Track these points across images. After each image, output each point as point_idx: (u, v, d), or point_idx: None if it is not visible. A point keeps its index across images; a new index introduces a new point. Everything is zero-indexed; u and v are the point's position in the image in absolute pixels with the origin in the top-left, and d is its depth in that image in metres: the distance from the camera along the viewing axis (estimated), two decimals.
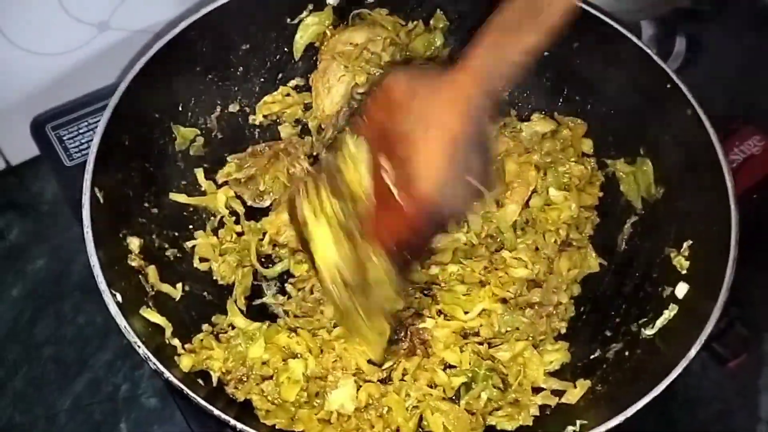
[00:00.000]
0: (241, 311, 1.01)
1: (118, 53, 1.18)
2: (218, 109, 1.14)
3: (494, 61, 0.70)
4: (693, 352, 0.84)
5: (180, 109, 1.08)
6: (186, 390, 0.81)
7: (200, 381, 0.91)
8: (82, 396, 1.07)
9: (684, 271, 0.97)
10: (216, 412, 0.80)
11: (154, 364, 0.82)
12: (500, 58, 0.69)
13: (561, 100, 1.16)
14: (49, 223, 1.21)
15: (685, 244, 0.98)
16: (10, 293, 1.15)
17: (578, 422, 0.88)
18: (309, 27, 1.14)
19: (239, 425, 0.80)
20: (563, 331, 1.02)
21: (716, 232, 0.92)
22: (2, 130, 1.21)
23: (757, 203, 1.15)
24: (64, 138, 1.14)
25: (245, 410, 0.91)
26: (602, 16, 1.05)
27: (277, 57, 1.17)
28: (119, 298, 0.86)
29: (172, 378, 0.82)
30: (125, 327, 0.83)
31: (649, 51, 1.03)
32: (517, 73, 0.70)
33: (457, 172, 0.71)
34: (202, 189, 1.10)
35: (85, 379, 1.08)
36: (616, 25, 1.04)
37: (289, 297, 1.04)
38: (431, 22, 1.18)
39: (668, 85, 1.01)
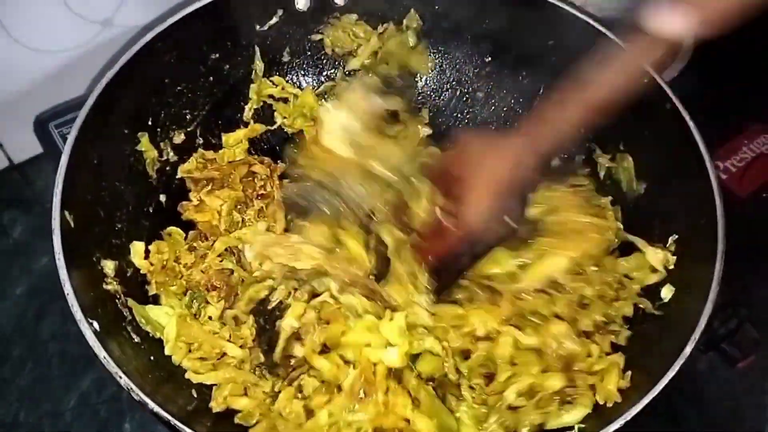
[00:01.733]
0: None
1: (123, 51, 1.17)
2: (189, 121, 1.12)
3: (544, 129, 0.88)
4: (688, 350, 0.83)
5: (150, 123, 1.06)
6: (179, 425, 0.78)
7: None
8: (88, 394, 1.07)
9: (671, 267, 0.97)
10: None
11: (137, 395, 0.79)
12: (549, 127, 0.87)
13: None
14: None
15: (670, 239, 0.98)
16: (15, 290, 1.15)
17: (576, 426, 0.87)
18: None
19: None
20: None
21: (702, 225, 0.92)
22: (5, 128, 1.21)
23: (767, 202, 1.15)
24: (68, 136, 1.13)
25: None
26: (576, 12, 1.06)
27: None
28: (96, 326, 0.82)
29: (158, 410, 0.78)
30: (104, 357, 0.80)
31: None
32: (564, 140, 0.89)
33: (497, 210, 0.90)
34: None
35: (91, 378, 1.08)
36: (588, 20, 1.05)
37: None
38: (404, 21, 1.18)
39: (645, 80, 0.98)
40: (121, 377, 0.79)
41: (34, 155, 1.26)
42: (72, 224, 0.88)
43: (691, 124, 0.96)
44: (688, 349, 0.82)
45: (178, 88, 1.08)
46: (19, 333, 1.11)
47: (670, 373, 0.81)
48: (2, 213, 1.23)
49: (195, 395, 0.92)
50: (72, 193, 0.89)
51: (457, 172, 0.93)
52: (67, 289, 0.82)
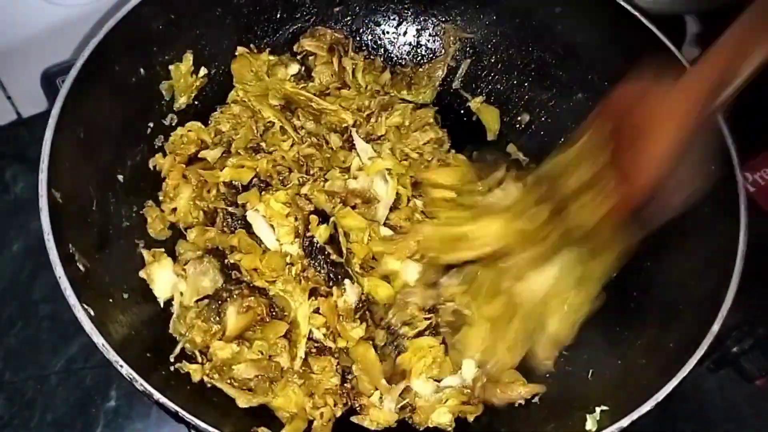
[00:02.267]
0: None
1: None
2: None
3: (728, 70, 0.73)
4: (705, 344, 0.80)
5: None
6: (181, 411, 0.75)
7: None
8: (76, 359, 1.05)
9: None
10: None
11: (142, 385, 0.75)
12: (736, 65, 0.72)
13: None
14: None
15: None
16: (11, 248, 1.13)
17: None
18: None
19: None
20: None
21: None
22: (15, 80, 1.19)
23: None
24: None
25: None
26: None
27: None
28: (92, 312, 0.79)
29: (164, 400, 0.75)
30: (103, 344, 0.76)
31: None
32: (743, 86, 0.73)
33: (671, 169, 0.78)
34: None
35: (80, 343, 1.06)
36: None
37: None
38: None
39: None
40: (122, 366, 0.76)
41: (43, 111, 1.23)
42: (60, 201, 0.84)
43: (725, 131, 0.91)
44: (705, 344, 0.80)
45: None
46: (12, 292, 1.09)
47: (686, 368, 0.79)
48: (6, 168, 1.20)
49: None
50: (60, 169, 0.85)
51: (617, 126, 0.83)
52: (59, 272, 0.79)
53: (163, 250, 0.98)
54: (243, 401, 0.87)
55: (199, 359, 0.90)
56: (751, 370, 0.99)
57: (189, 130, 1.05)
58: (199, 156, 1.04)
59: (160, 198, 1.02)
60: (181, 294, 0.95)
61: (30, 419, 1.01)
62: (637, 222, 0.85)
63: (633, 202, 0.82)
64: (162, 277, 0.95)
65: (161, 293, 0.95)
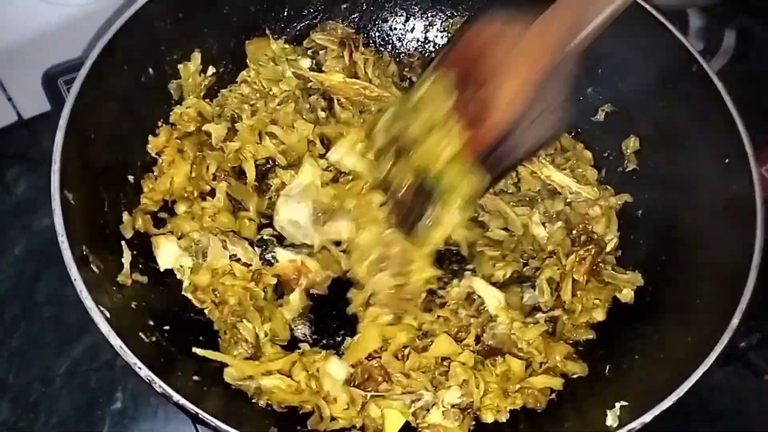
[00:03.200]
0: None
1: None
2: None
3: (574, 19, 0.74)
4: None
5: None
6: (201, 413, 0.74)
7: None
8: (80, 361, 1.04)
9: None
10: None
11: (161, 386, 0.74)
12: (580, 17, 0.74)
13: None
14: None
15: None
16: (14, 250, 1.12)
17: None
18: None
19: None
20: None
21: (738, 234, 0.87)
22: (15, 81, 1.18)
23: None
24: None
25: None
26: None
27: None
28: (108, 314, 0.77)
29: (184, 401, 0.74)
30: (121, 347, 0.74)
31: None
32: (613, 18, 0.74)
33: (534, 102, 0.78)
34: None
35: (84, 344, 1.05)
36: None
37: None
38: None
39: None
40: (140, 368, 0.74)
41: (44, 112, 1.22)
42: (72, 202, 0.83)
43: (742, 130, 0.90)
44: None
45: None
46: (15, 293, 1.08)
47: (704, 366, 0.78)
48: (7, 169, 1.19)
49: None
50: (73, 170, 0.84)
51: (479, 58, 0.81)
52: (74, 274, 0.77)
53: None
54: None
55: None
56: (759, 364, 1.00)
57: (188, 107, 1.03)
58: (203, 129, 1.03)
59: (154, 173, 1.00)
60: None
61: (35, 422, 1.00)
62: (490, 163, 0.85)
63: (484, 142, 0.82)
64: (167, 248, 0.95)
65: (164, 262, 0.94)
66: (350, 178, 1.01)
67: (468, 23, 0.82)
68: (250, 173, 1.02)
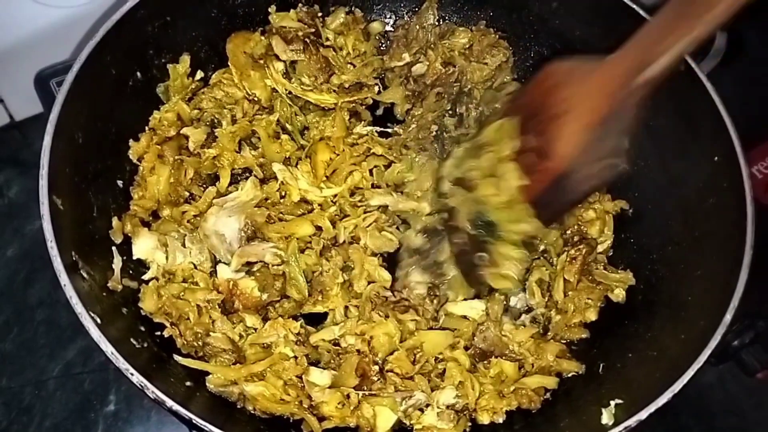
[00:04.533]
0: None
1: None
2: None
3: (650, 52, 0.74)
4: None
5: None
6: (195, 418, 0.73)
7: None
8: (73, 364, 1.04)
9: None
10: None
11: (153, 393, 0.73)
12: (657, 49, 0.73)
13: None
14: None
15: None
16: (6, 252, 1.12)
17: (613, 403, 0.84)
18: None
19: None
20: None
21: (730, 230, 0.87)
22: (7, 83, 1.18)
23: None
24: None
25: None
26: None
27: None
28: (98, 320, 0.76)
29: (177, 407, 0.73)
30: (112, 353, 0.74)
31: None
32: (676, 65, 0.73)
33: (593, 148, 0.79)
34: None
35: (78, 347, 1.05)
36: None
37: None
38: None
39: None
40: (132, 374, 0.74)
41: (36, 114, 1.22)
42: (61, 207, 0.82)
43: (731, 129, 0.90)
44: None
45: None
46: (7, 297, 1.08)
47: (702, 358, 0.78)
48: None
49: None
50: (62, 174, 0.83)
51: (543, 103, 0.83)
52: (64, 280, 0.77)
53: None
54: None
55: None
56: (752, 363, 0.99)
57: (167, 111, 1.02)
58: (181, 133, 1.01)
59: (136, 180, 0.99)
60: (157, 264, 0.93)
61: (28, 425, 1.00)
62: (545, 205, 0.86)
63: (551, 175, 0.83)
64: (146, 240, 0.93)
65: (138, 251, 0.93)
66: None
67: (548, 63, 0.84)
68: (224, 180, 1.00)
